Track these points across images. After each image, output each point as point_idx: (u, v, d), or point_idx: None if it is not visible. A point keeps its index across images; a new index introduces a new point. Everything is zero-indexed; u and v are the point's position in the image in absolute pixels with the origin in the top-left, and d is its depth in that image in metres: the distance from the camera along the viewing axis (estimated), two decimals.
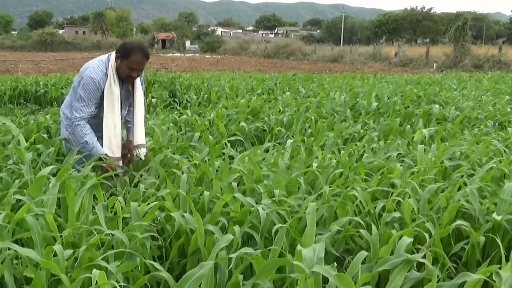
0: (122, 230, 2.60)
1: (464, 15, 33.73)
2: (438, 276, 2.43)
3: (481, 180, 3.60)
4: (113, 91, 3.80)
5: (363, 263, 2.49)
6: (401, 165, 4.17)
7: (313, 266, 2.06)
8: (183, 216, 2.72)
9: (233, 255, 2.28)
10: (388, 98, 8.89)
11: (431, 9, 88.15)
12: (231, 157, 4.62)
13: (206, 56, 48.21)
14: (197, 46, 71.70)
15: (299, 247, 2.27)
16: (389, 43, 50.37)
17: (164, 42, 75.36)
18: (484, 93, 10.66)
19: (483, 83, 13.70)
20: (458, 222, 2.92)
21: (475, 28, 48.30)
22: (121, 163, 3.90)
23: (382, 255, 2.56)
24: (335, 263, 2.42)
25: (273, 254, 2.44)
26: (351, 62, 36.53)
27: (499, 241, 2.59)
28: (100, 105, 3.84)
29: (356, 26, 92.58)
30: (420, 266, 2.54)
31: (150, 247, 2.57)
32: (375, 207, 3.15)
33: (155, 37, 74.17)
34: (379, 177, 3.74)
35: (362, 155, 4.54)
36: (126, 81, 3.92)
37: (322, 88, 11.69)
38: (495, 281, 2.17)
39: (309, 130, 6.19)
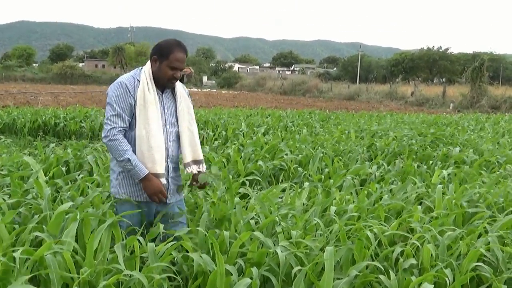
0: (139, 270, 2.59)
1: (481, 55, 33.74)
2: None
3: (502, 227, 3.55)
4: (146, 98, 3.27)
5: None
6: (419, 205, 4.15)
7: None
8: (201, 256, 2.71)
9: None
10: (406, 138, 8.87)
11: (447, 49, 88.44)
12: (247, 195, 4.62)
13: (223, 92, 48.59)
14: (214, 81, 72.40)
15: None
16: (405, 82, 50.46)
17: (181, 77, 76.06)
18: (502, 136, 10.60)
19: (501, 125, 13.63)
20: (479, 268, 2.88)
21: (492, 68, 48.24)
22: (163, 181, 3.29)
23: None
24: None
25: None
26: (367, 100, 36.59)
27: None
28: (134, 118, 3.30)
29: (373, 65, 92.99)
30: None
31: None
32: (393, 252, 3.12)
33: None
34: (399, 220, 3.71)
35: (381, 197, 4.50)
36: (168, 85, 3.40)
37: (338, 126, 11.71)
38: None
39: (326, 169, 6.18)
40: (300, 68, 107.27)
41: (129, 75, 3.34)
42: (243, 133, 10.22)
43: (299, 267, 2.65)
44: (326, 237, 3.37)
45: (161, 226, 3.12)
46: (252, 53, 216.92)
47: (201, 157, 3.58)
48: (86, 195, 4.06)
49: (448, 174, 5.92)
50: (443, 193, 4.52)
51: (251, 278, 2.55)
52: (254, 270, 2.65)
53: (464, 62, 67.90)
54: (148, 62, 3.39)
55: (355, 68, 78.96)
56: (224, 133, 10.20)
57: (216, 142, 9.04)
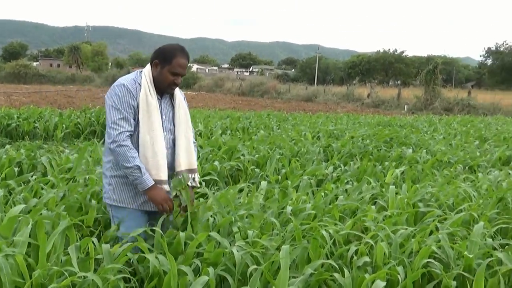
0: (94, 272, 2.57)
1: (435, 59, 34.54)
2: None
3: (452, 225, 3.66)
4: (149, 102, 3.19)
5: None
6: (373, 205, 4.24)
7: None
8: (156, 257, 2.70)
9: None
10: (361, 139, 9.02)
11: (403, 52, 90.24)
12: (204, 195, 4.63)
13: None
14: None
15: None
16: (362, 84, 51.22)
17: None
18: (454, 137, 10.89)
19: (453, 126, 13.99)
20: (430, 264, 2.96)
21: (445, 71, 49.43)
22: (166, 187, 3.23)
23: None
24: None
25: None
26: (324, 102, 36.97)
27: (468, 285, 2.63)
28: (136, 123, 3.21)
29: (330, 67, 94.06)
30: None
31: None
32: (347, 250, 3.18)
33: (130, 72, 74.11)
34: (353, 219, 3.78)
35: (336, 197, 4.57)
36: (168, 90, 3.32)
37: (296, 127, 11.81)
38: None
39: (283, 170, 6.23)
40: (258, 69, 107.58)
41: (130, 78, 3.24)
42: (201, 134, 10.20)
43: (255, 266, 2.67)
44: (282, 236, 3.40)
45: (114, 227, 3.12)
46: (210, 54, 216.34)
47: (195, 166, 3.48)
48: (40, 196, 3.99)
49: (402, 174, 6.05)
50: (396, 193, 4.62)
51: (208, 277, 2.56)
52: (211, 269, 2.67)
53: (419, 65, 69.33)
54: (148, 66, 3.31)
55: (313, 70, 79.70)
56: None
57: None
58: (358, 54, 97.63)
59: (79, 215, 3.70)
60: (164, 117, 3.30)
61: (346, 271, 2.78)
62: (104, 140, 3.38)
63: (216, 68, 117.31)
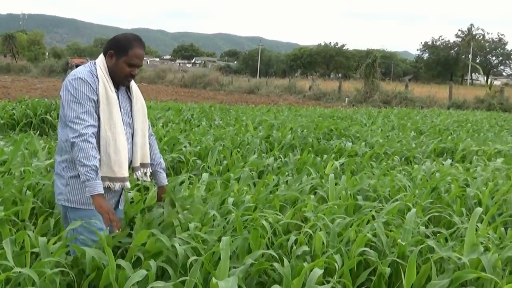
0: (31, 266, 2.52)
1: (374, 52, 35.31)
2: None
3: (388, 214, 3.79)
4: (109, 96, 3.01)
5: None
6: (313, 196, 4.34)
7: None
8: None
9: None
10: (302, 131, 9.15)
11: (343, 45, 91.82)
12: (146, 188, 4.59)
13: None
14: None
15: (214, 280, 2.30)
16: (303, 76, 51.86)
17: (78, 67, 73.39)
18: (392, 129, 11.20)
19: (391, 119, 14.37)
20: (366, 252, 3.06)
21: (384, 65, 50.71)
22: (128, 184, 3.11)
23: (294, 287, 2.64)
24: None
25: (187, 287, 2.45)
26: (267, 94, 37.16)
27: (402, 271, 2.74)
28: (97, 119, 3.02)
29: (272, 59, 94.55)
30: None
31: (60, 283, 2.50)
32: (287, 240, 3.25)
33: (69, 63, 72.12)
34: (293, 210, 3.85)
35: (277, 188, 4.64)
36: (124, 82, 3.15)
37: (238, 119, 11.85)
38: None
39: (225, 162, 6.25)
40: (201, 61, 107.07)
41: (85, 70, 3.02)
42: None
43: (195, 257, 2.68)
44: (223, 227, 3.43)
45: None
46: (152, 45, 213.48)
47: (148, 160, 3.33)
48: None
49: (341, 165, 6.19)
50: (335, 184, 4.73)
51: (147, 270, 2.56)
52: (152, 262, 2.66)
53: (359, 59, 70.70)
54: (101, 57, 3.12)
55: (256, 62, 79.96)
56: None
57: None
58: (300, 47, 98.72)
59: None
60: (122, 110, 3.13)
61: (285, 260, 2.83)
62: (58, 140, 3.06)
63: (158, 59, 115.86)
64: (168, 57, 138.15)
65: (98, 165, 2.89)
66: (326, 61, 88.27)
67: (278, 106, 19.76)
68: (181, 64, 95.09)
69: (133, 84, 3.27)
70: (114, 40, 3.14)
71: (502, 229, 3.75)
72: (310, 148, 7.65)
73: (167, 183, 3.49)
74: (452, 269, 2.89)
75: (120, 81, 3.12)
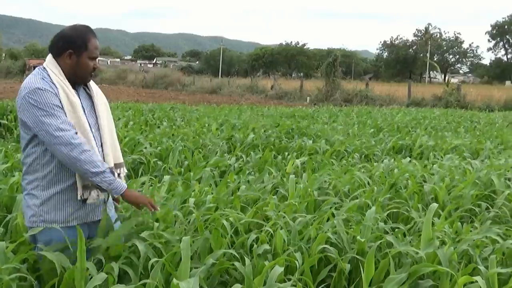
0: None
1: (335, 51, 35.63)
2: None
3: (348, 211, 3.84)
4: (72, 101, 2.78)
5: None
6: (275, 196, 4.36)
7: None
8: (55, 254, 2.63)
9: None
10: (264, 131, 9.18)
11: (304, 45, 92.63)
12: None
13: None
14: None
15: (174, 281, 2.30)
16: (265, 76, 51.99)
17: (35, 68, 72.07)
18: (352, 127, 11.34)
19: (352, 117, 14.55)
20: (326, 250, 3.11)
21: (344, 64, 51.32)
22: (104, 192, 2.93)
23: (255, 286, 2.65)
24: None
25: None
26: (229, 94, 37.13)
27: (361, 267, 2.79)
28: None
29: (234, 59, 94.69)
30: None
31: None
32: (248, 239, 3.26)
33: (26, 64, 70.67)
34: (254, 208, 3.87)
35: (239, 188, 4.65)
36: (87, 79, 2.93)
37: (199, 119, 11.81)
38: None
39: (186, 162, 6.23)
40: (162, 61, 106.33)
41: (38, 79, 2.75)
42: None
43: (156, 259, 2.68)
44: (185, 228, 3.42)
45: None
46: (112, 46, 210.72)
47: (121, 159, 3.14)
48: None
49: (302, 164, 6.24)
50: (296, 182, 4.77)
51: (107, 273, 2.54)
52: (114, 264, 2.64)
53: (320, 58, 71.41)
54: (51, 60, 2.86)
55: (218, 62, 79.86)
56: None
57: None
58: (262, 47, 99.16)
59: None
60: (86, 111, 2.90)
61: (246, 259, 2.85)
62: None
63: (118, 60, 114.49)
64: (128, 57, 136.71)
65: (108, 165, 2.81)
66: (287, 60, 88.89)
67: (240, 106, 19.78)
68: (142, 65, 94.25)
69: (91, 83, 3.05)
70: (66, 37, 2.85)
71: (459, 223, 3.84)
72: (272, 147, 7.69)
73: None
74: (410, 263, 2.95)
75: (83, 79, 2.91)
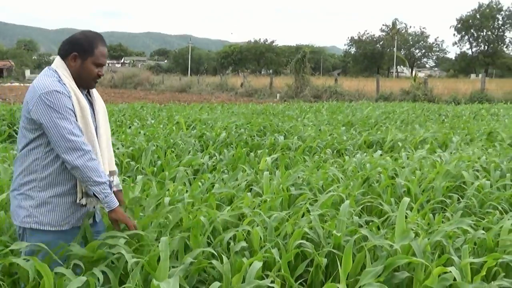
0: None
1: (303, 48, 35.85)
2: None
3: (322, 206, 3.88)
4: (82, 104, 2.81)
5: None
6: (249, 192, 4.38)
7: None
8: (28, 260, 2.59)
9: None
10: (235, 128, 9.19)
11: (273, 42, 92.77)
12: None
13: None
14: (38, 75, 67.97)
15: (155, 282, 2.30)
16: (235, 73, 52.02)
17: (0, 71, 70.72)
18: (323, 123, 11.42)
19: (322, 113, 14.65)
20: (302, 245, 3.14)
21: (313, 60, 51.57)
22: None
23: (234, 284, 2.67)
24: None
25: None
26: (198, 92, 37.04)
27: (338, 261, 2.83)
28: None
29: (203, 57, 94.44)
30: None
31: None
32: (225, 237, 3.27)
33: None
34: (230, 207, 3.88)
35: (213, 186, 4.66)
36: (92, 85, 2.96)
37: (170, 118, 11.75)
38: None
39: (159, 162, 6.21)
40: (130, 60, 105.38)
41: (54, 81, 2.74)
42: None
43: (135, 260, 2.67)
44: (163, 227, 3.41)
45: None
46: None
47: (115, 167, 3.17)
48: None
49: (275, 160, 6.27)
50: (270, 179, 4.79)
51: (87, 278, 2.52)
52: (95, 270, 2.62)
53: (289, 54, 71.75)
54: (60, 62, 2.87)
55: (186, 61, 79.59)
56: None
57: None
58: (230, 44, 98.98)
59: None
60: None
61: (224, 257, 2.86)
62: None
63: None
64: None
65: (108, 178, 2.81)
66: (256, 57, 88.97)
67: (210, 104, 19.74)
68: (110, 65, 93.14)
69: (93, 89, 3.08)
70: (74, 41, 2.89)
71: (430, 215, 3.92)
72: (244, 144, 7.71)
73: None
74: (385, 256, 3.00)
75: (87, 84, 2.93)
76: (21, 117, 2.84)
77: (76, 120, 2.76)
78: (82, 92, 2.91)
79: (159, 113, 13.39)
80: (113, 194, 2.82)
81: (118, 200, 2.96)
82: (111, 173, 3.08)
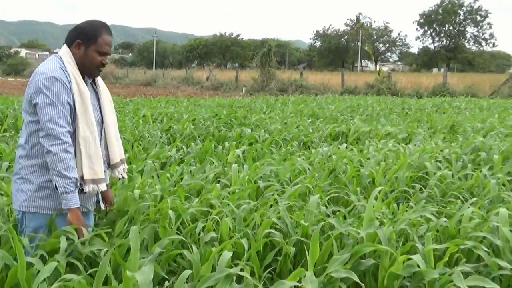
0: None
1: (269, 42, 35.91)
2: (257, 286, 2.62)
3: (290, 197, 3.94)
4: (83, 92, 2.83)
5: (187, 282, 2.60)
6: (218, 184, 4.41)
7: None
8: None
9: (55, 285, 2.25)
10: (202, 121, 9.20)
11: (238, 35, 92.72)
12: None
13: (10, 79, 45.02)
14: None
15: (128, 273, 2.31)
16: (200, 67, 51.78)
17: None
18: (289, 116, 11.50)
19: (288, 106, 14.75)
20: (271, 234, 3.19)
21: (279, 54, 51.76)
22: (104, 186, 2.99)
23: (204, 272, 2.70)
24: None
25: (98, 279, 2.43)
26: (164, 86, 36.76)
27: (306, 250, 2.89)
28: (74, 119, 2.85)
29: (168, 50, 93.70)
30: (239, 280, 2.72)
31: None
32: (195, 228, 3.30)
33: None
34: (199, 199, 3.91)
35: (181, 178, 4.67)
36: (95, 73, 2.99)
37: (137, 112, 11.67)
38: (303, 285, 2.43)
39: (126, 155, 6.17)
40: None
41: (56, 67, 2.80)
42: None
43: (105, 249, 2.67)
44: (133, 219, 3.42)
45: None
46: (40, 38, 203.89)
47: (123, 155, 3.23)
48: None
49: (243, 153, 6.31)
50: (238, 171, 4.83)
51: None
52: (59, 256, 2.62)
53: (254, 48, 71.80)
54: (66, 49, 2.91)
55: (151, 54, 78.94)
56: (12, 122, 9.54)
57: (7, 134, 8.42)
58: (196, 38, 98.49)
59: None
60: (92, 106, 2.95)
61: (194, 247, 2.89)
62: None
63: (47, 53, 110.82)
64: (58, 50, 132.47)
65: (77, 177, 2.78)
66: (222, 51, 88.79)
67: (176, 98, 19.64)
68: None
69: (98, 78, 3.12)
70: (79, 28, 2.93)
71: (395, 204, 4.02)
72: (211, 137, 7.72)
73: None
74: (352, 244, 3.07)
75: (91, 72, 2.96)
76: (23, 100, 2.89)
77: (73, 107, 2.79)
78: (87, 82, 2.97)
79: (125, 107, 13.28)
80: (77, 195, 2.78)
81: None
82: (121, 161, 3.18)
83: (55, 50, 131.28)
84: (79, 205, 2.79)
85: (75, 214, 2.78)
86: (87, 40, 2.89)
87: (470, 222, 3.45)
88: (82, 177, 2.85)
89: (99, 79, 3.12)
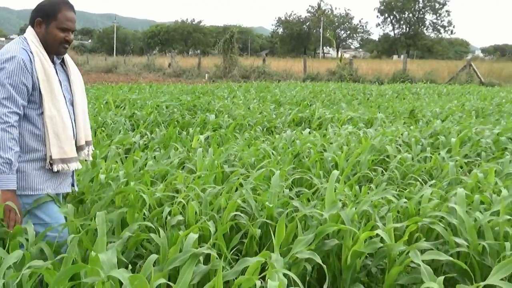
0: None
1: (231, 28, 35.76)
2: (223, 267, 2.68)
3: (255, 180, 4.00)
4: (47, 71, 2.79)
5: (154, 265, 2.63)
6: (182, 170, 4.44)
7: (111, 271, 2.14)
8: None
9: (22, 272, 2.25)
10: (166, 108, 9.16)
11: (200, 22, 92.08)
12: None
13: None
14: None
15: (93, 253, 2.33)
16: (162, 54, 51.28)
17: None
18: (252, 102, 11.55)
19: (251, 92, 14.79)
20: (237, 217, 3.25)
21: (241, 41, 51.65)
22: (78, 165, 2.96)
23: (171, 255, 2.74)
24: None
25: (65, 264, 2.45)
26: (125, 72, 36.25)
27: (271, 231, 2.95)
28: (31, 101, 2.79)
29: (129, 37, 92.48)
30: (207, 262, 2.77)
31: None
32: (162, 212, 3.33)
33: None
34: (164, 183, 3.93)
35: (146, 164, 4.67)
36: (60, 50, 2.91)
37: (99, 98, 11.54)
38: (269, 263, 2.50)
39: None
40: None
41: (19, 47, 2.77)
42: None
43: (73, 235, 2.68)
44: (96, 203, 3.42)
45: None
46: None
47: (90, 137, 3.18)
48: None
49: (207, 138, 6.34)
50: (203, 156, 4.86)
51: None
52: (24, 241, 2.62)
53: (216, 35, 71.45)
54: (30, 29, 2.87)
55: (111, 40, 77.69)
56: None
57: None
58: (157, 24, 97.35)
59: None
60: (62, 86, 2.93)
61: (161, 231, 2.92)
62: None
63: (3, 39, 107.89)
64: (14, 36, 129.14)
65: (13, 159, 2.68)
66: (184, 38, 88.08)
67: (139, 84, 19.45)
68: None
69: (66, 56, 3.07)
70: (38, 7, 2.89)
71: (357, 187, 4.12)
72: (175, 123, 7.72)
73: None
74: (316, 225, 3.15)
75: (55, 50, 2.90)
76: None
77: (37, 86, 2.77)
78: (55, 62, 2.95)
79: (87, 93, 13.09)
80: (12, 176, 2.70)
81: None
82: (87, 143, 3.11)
83: (11, 36, 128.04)
84: (14, 188, 2.71)
85: (6, 196, 2.69)
86: (47, 18, 2.85)
87: (430, 203, 3.57)
88: (50, 157, 2.83)
89: (68, 60, 3.09)
